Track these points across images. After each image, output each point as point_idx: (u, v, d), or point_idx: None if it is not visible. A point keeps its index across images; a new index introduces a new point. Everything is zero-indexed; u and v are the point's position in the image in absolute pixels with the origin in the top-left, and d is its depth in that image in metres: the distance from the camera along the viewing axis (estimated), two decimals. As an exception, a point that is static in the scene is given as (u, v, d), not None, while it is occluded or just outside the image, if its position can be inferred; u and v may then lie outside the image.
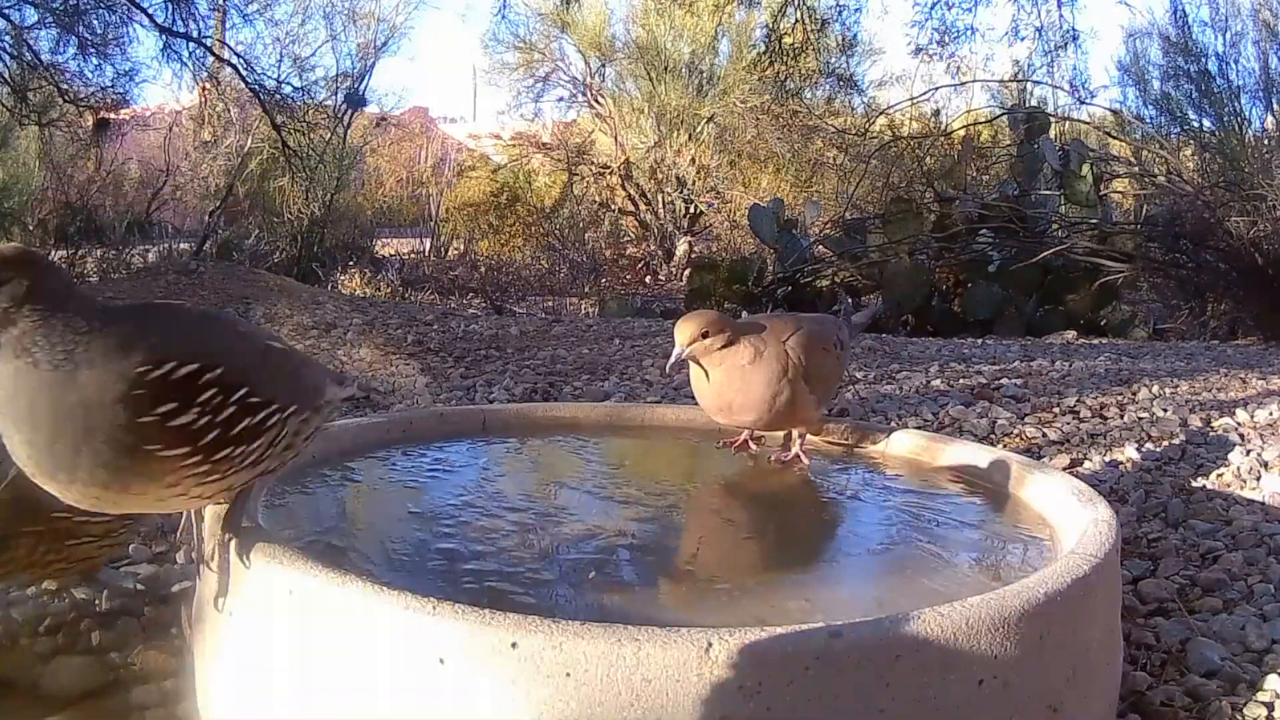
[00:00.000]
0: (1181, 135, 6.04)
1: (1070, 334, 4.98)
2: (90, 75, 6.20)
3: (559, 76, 11.06)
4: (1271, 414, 2.64)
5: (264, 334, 1.19)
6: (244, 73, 6.42)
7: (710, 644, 0.87)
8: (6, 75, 5.79)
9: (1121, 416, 2.68)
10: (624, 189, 10.34)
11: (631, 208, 10.40)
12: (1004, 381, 3.10)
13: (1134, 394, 2.95)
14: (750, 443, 1.70)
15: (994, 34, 9.91)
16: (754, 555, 1.33)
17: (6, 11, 5.44)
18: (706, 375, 1.54)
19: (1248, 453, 2.31)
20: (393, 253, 10.01)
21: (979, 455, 1.58)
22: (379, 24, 9.65)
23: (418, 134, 13.55)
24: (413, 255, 10.00)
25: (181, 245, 7.95)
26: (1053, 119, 6.64)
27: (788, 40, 7.82)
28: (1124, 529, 1.68)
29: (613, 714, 0.87)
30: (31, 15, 5.65)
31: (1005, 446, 2.39)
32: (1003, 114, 6.98)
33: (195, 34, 5.98)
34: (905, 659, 0.91)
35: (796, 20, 7.53)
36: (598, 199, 10.72)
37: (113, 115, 8.43)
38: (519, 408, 1.95)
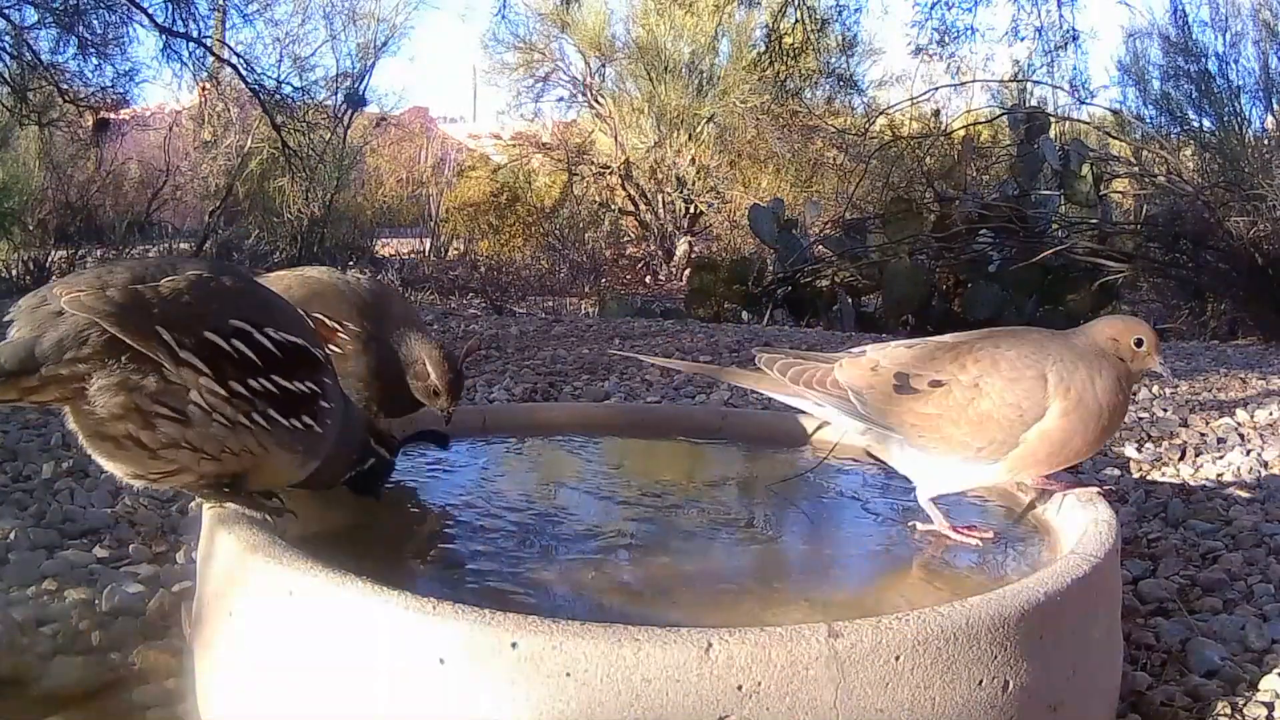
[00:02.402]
0: (1181, 135, 6.03)
1: (1070, 334, 4.97)
2: (90, 75, 6.20)
3: (559, 76, 11.06)
4: (1271, 414, 2.64)
5: None
6: (244, 73, 6.42)
7: (710, 644, 0.87)
8: (6, 75, 5.79)
9: (1121, 416, 2.68)
10: (624, 189, 10.34)
11: (631, 208, 10.39)
12: (1004, 381, 3.10)
13: (1134, 394, 2.95)
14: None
15: (994, 34, 9.90)
16: (754, 555, 1.33)
17: (6, 11, 5.44)
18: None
19: (1248, 453, 2.31)
20: (393, 253, 10.00)
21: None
22: (379, 24, 9.65)
23: (418, 134, 13.53)
24: (413, 255, 10.00)
25: (181, 245, 7.95)
26: (1053, 119, 6.63)
27: (788, 40, 7.82)
28: (1124, 529, 1.67)
29: (613, 714, 0.87)
30: (31, 15, 5.65)
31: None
32: (1003, 114, 6.97)
33: (195, 34, 5.97)
34: (905, 659, 0.91)
35: (796, 20, 7.53)
36: (598, 199, 10.71)
37: (113, 115, 8.43)
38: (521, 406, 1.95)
